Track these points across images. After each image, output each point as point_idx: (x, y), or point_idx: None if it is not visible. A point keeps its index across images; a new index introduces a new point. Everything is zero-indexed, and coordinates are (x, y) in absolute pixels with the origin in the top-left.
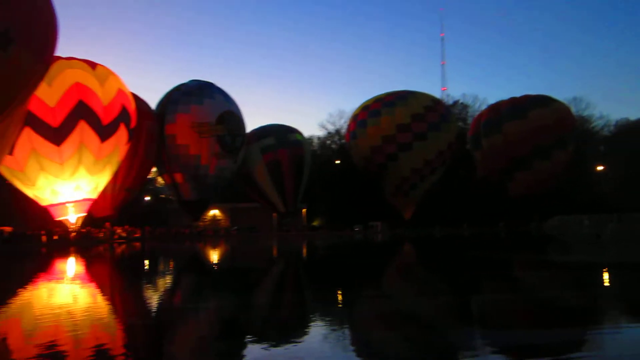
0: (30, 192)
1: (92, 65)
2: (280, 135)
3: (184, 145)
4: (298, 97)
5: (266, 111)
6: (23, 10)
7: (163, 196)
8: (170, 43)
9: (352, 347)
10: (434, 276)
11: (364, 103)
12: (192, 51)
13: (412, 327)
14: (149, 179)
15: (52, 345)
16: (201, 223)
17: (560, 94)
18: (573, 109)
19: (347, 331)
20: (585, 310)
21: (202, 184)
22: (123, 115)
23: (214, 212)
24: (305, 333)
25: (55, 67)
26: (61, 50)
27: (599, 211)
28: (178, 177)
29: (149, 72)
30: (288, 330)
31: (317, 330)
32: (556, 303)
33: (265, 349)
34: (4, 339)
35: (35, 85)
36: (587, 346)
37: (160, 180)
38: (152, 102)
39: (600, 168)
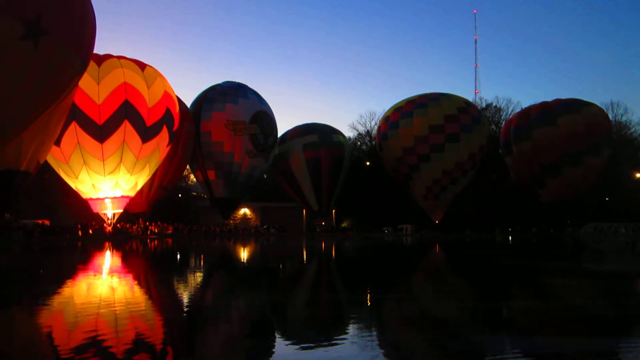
0: (72, 183)
1: (142, 66)
2: (324, 135)
3: (218, 142)
4: (329, 98)
5: (297, 112)
6: None
7: (194, 194)
8: (203, 43)
9: (378, 350)
10: (464, 281)
11: (395, 105)
12: (224, 52)
13: (440, 331)
14: (182, 176)
15: (95, 336)
16: (231, 221)
17: (597, 98)
18: (610, 114)
19: (374, 334)
20: (618, 319)
21: (234, 181)
22: (166, 118)
23: (244, 211)
24: (335, 334)
25: (105, 65)
26: (98, 47)
27: (637, 219)
28: (211, 174)
29: (180, 73)
30: (317, 330)
31: (345, 331)
32: (588, 312)
33: (294, 348)
34: (49, 331)
35: (72, 80)
36: (618, 356)
37: (192, 177)
38: (185, 101)
39: (639, 175)
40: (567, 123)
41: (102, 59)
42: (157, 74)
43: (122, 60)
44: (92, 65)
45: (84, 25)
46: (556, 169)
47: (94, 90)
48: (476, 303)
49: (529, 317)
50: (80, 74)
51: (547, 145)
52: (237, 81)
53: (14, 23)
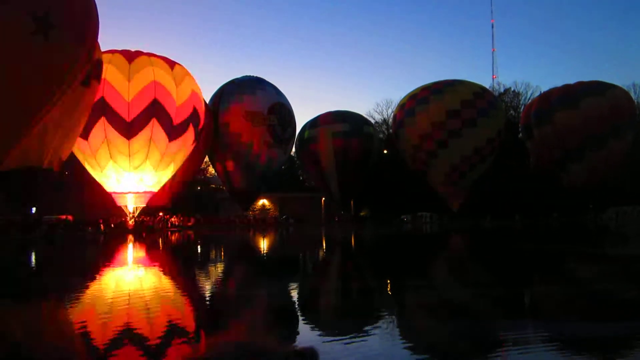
0: (97, 177)
1: (171, 64)
2: (355, 124)
3: (237, 133)
4: (345, 87)
5: (313, 103)
6: None
7: (213, 186)
8: (221, 39)
9: (399, 338)
10: (485, 268)
11: (410, 92)
12: (243, 47)
13: (462, 318)
14: (200, 168)
15: (129, 327)
16: (250, 212)
17: (619, 80)
18: (632, 96)
19: (395, 322)
20: None
21: (253, 172)
22: (193, 117)
23: (263, 202)
24: (357, 322)
25: (136, 63)
26: (118, 42)
27: None
28: (230, 165)
29: (199, 69)
30: (338, 319)
31: (367, 319)
32: (614, 296)
33: (321, 337)
34: (83, 323)
35: (80, 71)
36: None
37: (211, 170)
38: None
39: None
40: (590, 106)
41: (132, 56)
42: (186, 73)
43: (152, 58)
44: (123, 62)
45: (89, 18)
46: (579, 153)
47: (124, 87)
48: (502, 289)
49: (555, 303)
50: (88, 65)
51: (570, 129)
52: (255, 75)
53: (26, 20)
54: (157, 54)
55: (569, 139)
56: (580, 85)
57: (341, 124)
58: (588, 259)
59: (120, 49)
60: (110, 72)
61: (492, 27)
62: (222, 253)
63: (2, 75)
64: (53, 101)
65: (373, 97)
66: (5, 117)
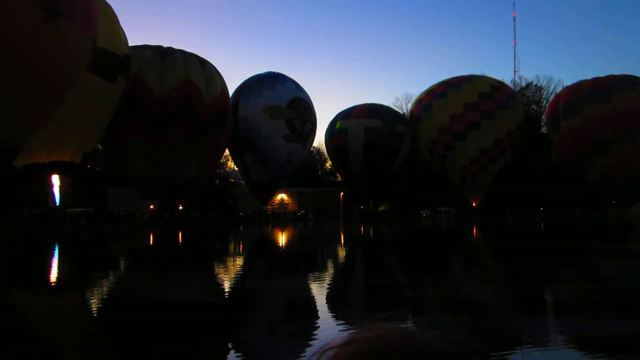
0: (125, 170)
1: (202, 63)
2: (387, 121)
3: (256, 127)
4: (365, 82)
5: (332, 98)
6: None
7: (232, 180)
8: (246, 36)
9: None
10: (506, 264)
11: (428, 88)
12: (266, 41)
13: (484, 315)
14: (220, 162)
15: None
16: (269, 207)
17: None
18: None
19: (409, 317)
20: None
21: (271, 167)
22: (221, 116)
23: (282, 196)
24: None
25: (168, 60)
26: (142, 37)
27: None
28: (249, 159)
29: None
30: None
31: (384, 314)
32: (635, 294)
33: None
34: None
35: (87, 58)
36: None
37: (230, 164)
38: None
39: None
40: (622, 100)
41: (165, 53)
42: (216, 72)
43: (184, 56)
44: (155, 58)
45: (91, 7)
46: (607, 147)
47: (156, 83)
48: (520, 287)
49: (579, 301)
50: (92, 52)
51: (600, 122)
52: (277, 71)
53: (38, 9)
54: (188, 51)
55: (599, 133)
56: (613, 78)
57: (373, 120)
58: (611, 255)
59: (153, 44)
60: (143, 68)
61: (514, 20)
62: (241, 247)
63: (16, 63)
64: (67, 90)
65: (392, 92)
66: (20, 106)
